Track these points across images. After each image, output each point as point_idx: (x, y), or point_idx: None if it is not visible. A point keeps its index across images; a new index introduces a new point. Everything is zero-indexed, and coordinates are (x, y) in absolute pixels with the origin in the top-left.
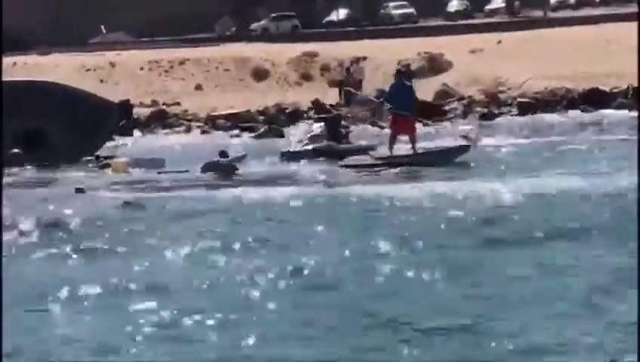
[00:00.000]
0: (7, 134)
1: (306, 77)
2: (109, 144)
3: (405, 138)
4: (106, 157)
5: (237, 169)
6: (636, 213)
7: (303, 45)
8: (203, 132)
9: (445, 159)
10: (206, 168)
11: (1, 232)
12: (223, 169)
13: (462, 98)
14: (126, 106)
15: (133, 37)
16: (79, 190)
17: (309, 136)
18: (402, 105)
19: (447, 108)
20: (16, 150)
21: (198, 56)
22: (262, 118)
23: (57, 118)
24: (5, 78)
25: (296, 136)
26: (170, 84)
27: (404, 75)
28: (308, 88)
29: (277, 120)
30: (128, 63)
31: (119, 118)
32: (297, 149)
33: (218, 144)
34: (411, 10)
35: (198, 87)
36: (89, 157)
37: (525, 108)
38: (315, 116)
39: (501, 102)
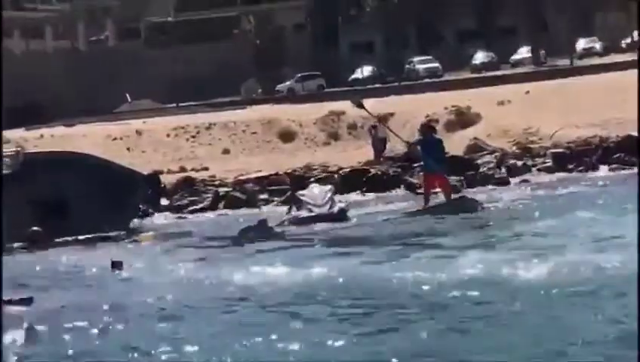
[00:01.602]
0: (26, 208)
1: (334, 136)
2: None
3: None
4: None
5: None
6: None
7: (330, 104)
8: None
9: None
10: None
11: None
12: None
13: (494, 151)
14: (154, 178)
15: (159, 103)
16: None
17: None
18: (434, 162)
19: (479, 161)
20: (35, 228)
21: (224, 120)
22: (289, 180)
23: (80, 191)
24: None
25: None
26: (197, 150)
27: (429, 128)
28: (336, 147)
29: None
30: (154, 130)
31: (147, 189)
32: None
33: (244, 214)
34: (437, 64)
35: (226, 151)
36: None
37: (559, 159)
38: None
39: (534, 154)
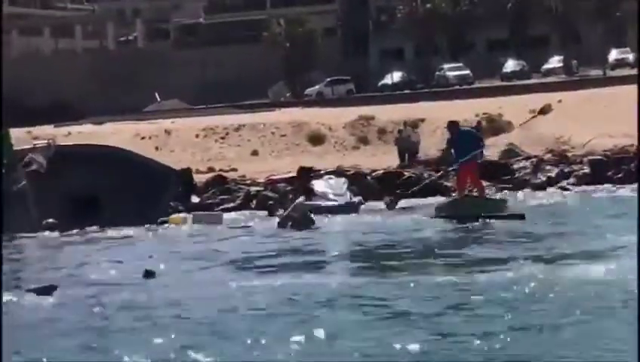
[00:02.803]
0: (57, 200)
1: (363, 140)
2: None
3: None
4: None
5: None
6: None
7: (359, 108)
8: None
9: None
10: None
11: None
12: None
13: (530, 157)
14: (187, 173)
15: (188, 104)
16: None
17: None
18: (470, 148)
19: (515, 167)
20: (50, 220)
21: (253, 122)
22: None
23: (112, 184)
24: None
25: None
26: (226, 151)
27: (453, 124)
28: (365, 152)
29: None
30: (183, 130)
31: (179, 184)
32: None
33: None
34: (467, 71)
35: (255, 153)
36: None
37: (597, 167)
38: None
39: (570, 161)
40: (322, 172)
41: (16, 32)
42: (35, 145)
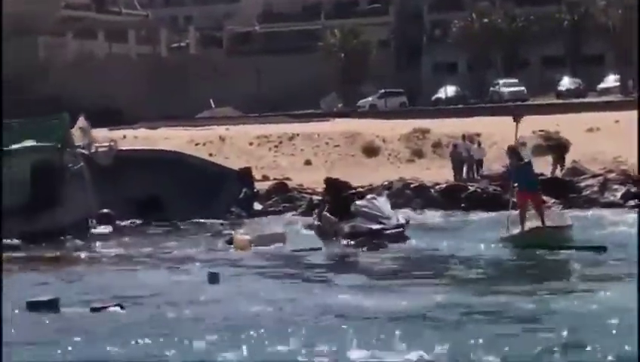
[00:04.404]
0: (121, 201)
1: (418, 153)
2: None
3: None
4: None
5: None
6: None
7: (413, 121)
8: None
9: None
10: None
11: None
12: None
13: (596, 175)
14: (246, 175)
15: (241, 112)
16: (213, 277)
17: None
18: (530, 183)
19: (581, 185)
20: (105, 210)
21: (307, 132)
22: (386, 192)
23: (173, 186)
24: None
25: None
26: (279, 159)
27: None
28: (420, 165)
29: (402, 195)
30: (237, 138)
31: (239, 186)
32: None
33: None
34: (522, 88)
35: (308, 163)
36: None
37: None
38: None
39: (634, 179)
40: (357, 190)
41: (71, 36)
42: (97, 147)
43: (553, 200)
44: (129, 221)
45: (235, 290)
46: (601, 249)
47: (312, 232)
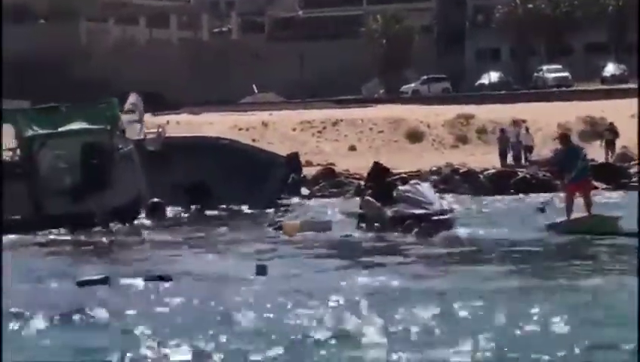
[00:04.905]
0: (169, 187)
1: (462, 139)
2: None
3: None
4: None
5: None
6: None
7: (457, 107)
8: None
9: None
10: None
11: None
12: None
13: None
14: (294, 160)
15: (284, 97)
16: (261, 269)
17: None
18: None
19: (632, 171)
20: (156, 199)
21: (351, 117)
22: (434, 178)
23: (221, 172)
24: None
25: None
26: (322, 145)
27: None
28: (464, 150)
29: (451, 180)
30: (280, 123)
31: (287, 171)
32: None
33: None
34: (566, 74)
35: (352, 148)
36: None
37: None
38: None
39: None
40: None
41: (112, 21)
42: (145, 133)
43: (605, 186)
44: (179, 208)
45: (284, 284)
46: None
47: (357, 218)
